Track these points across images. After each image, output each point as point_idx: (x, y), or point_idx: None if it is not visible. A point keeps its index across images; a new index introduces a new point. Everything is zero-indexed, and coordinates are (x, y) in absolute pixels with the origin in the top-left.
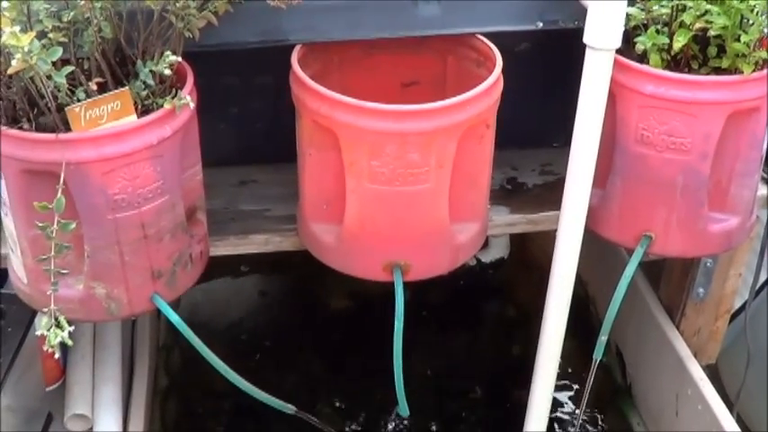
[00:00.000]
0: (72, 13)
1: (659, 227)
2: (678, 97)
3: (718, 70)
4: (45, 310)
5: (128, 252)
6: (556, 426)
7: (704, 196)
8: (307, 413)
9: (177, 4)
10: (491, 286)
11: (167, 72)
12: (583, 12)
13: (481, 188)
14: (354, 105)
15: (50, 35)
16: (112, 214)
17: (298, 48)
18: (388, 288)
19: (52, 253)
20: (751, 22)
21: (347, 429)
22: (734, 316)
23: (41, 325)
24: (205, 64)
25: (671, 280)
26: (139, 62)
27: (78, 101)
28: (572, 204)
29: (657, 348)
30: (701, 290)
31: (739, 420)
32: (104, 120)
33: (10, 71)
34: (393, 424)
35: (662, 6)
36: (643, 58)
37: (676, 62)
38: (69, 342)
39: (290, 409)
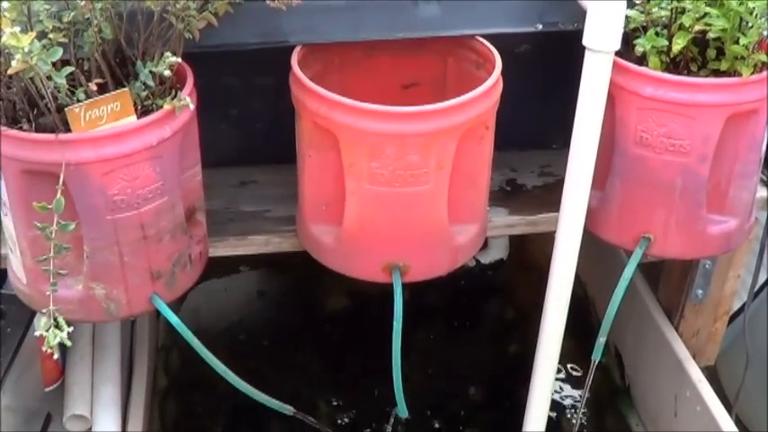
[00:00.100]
0: (72, 14)
1: (658, 228)
2: (677, 99)
3: (717, 72)
4: (44, 310)
5: (127, 253)
6: (555, 426)
7: (703, 198)
8: (305, 414)
9: (177, 5)
10: (490, 287)
11: (167, 73)
12: (582, 14)
13: (480, 189)
14: (354, 107)
15: (50, 36)
16: (112, 215)
17: (297, 49)
18: (388, 289)
19: (51, 253)
20: (750, 24)
21: (346, 430)
22: (733, 317)
23: (40, 325)
24: (205, 65)
25: (670, 281)
26: (139, 63)
27: (78, 101)
28: (571, 206)
29: (656, 349)
30: (699, 291)
31: (738, 422)
32: (104, 120)
33: (10, 71)
34: (392, 425)
35: (661, 9)
36: (642, 60)
37: (675, 64)
38: (68, 342)
39: (288, 409)
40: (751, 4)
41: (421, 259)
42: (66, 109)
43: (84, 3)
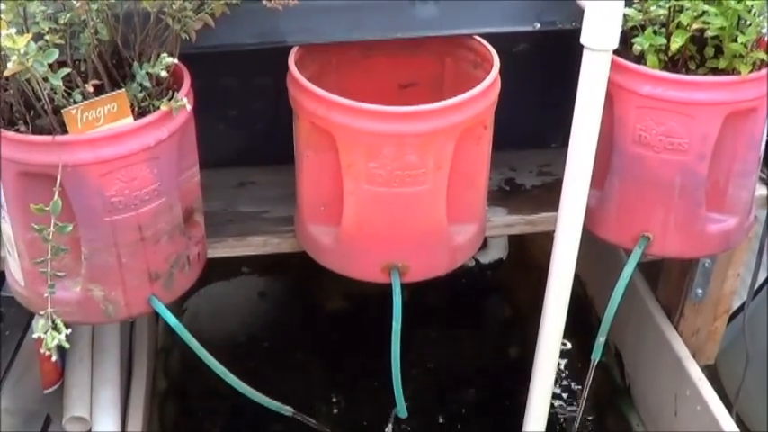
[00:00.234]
0: (68, 16)
1: (657, 227)
2: (675, 98)
3: (715, 71)
4: (42, 312)
5: (125, 254)
6: (555, 426)
7: (702, 197)
8: (304, 414)
9: (174, 6)
10: (490, 287)
11: (164, 74)
12: (580, 13)
13: (479, 189)
14: (351, 107)
15: (47, 37)
16: (109, 216)
17: (295, 49)
18: (387, 289)
19: (49, 255)
20: (748, 22)
21: (345, 431)
22: (732, 316)
23: (38, 327)
24: (202, 65)
25: (669, 280)
26: (136, 64)
27: (75, 103)
28: (570, 205)
29: (656, 349)
30: (699, 290)
31: (738, 420)
32: (101, 122)
33: (6, 73)
34: (391, 425)
35: (659, 7)
36: (640, 58)
37: (674, 63)
38: (66, 345)
39: (287, 410)
40: (749, 2)
41: (420, 259)
42: (62, 111)
43: (80, 4)
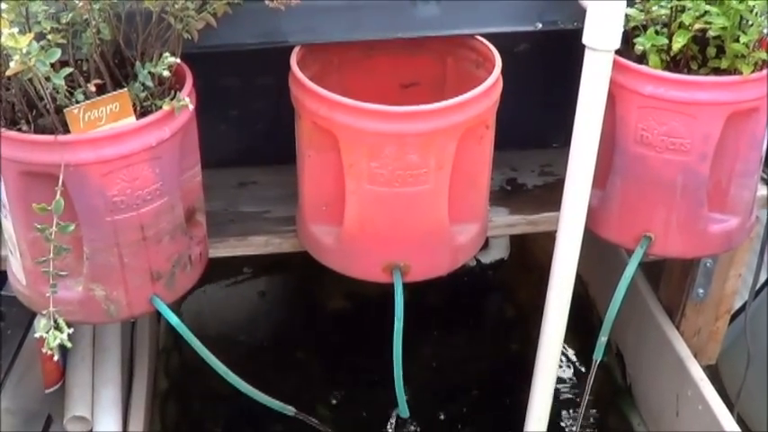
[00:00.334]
0: (70, 15)
1: (659, 227)
2: (677, 98)
3: (717, 71)
4: (44, 312)
5: (127, 254)
6: (556, 426)
7: (704, 197)
8: (306, 414)
9: (176, 6)
10: (491, 287)
11: (166, 73)
12: (582, 12)
13: (481, 189)
14: (353, 106)
15: (49, 37)
16: (111, 216)
17: (297, 49)
18: (388, 289)
19: (51, 255)
20: (750, 22)
21: (347, 430)
22: (734, 316)
23: (40, 327)
24: (204, 65)
25: (671, 280)
26: (138, 64)
27: (77, 102)
28: (572, 205)
29: (657, 349)
30: (700, 290)
31: (740, 421)
32: (103, 121)
33: (8, 73)
34: (393, 425)
35: (661, 7)
36: (642, 58)
37: (676, 63)
38: (68, 344)
39: (289, 410)
40: (751, 3)
41: (421, 259)
42: (65, 110)
43: (82, 4)
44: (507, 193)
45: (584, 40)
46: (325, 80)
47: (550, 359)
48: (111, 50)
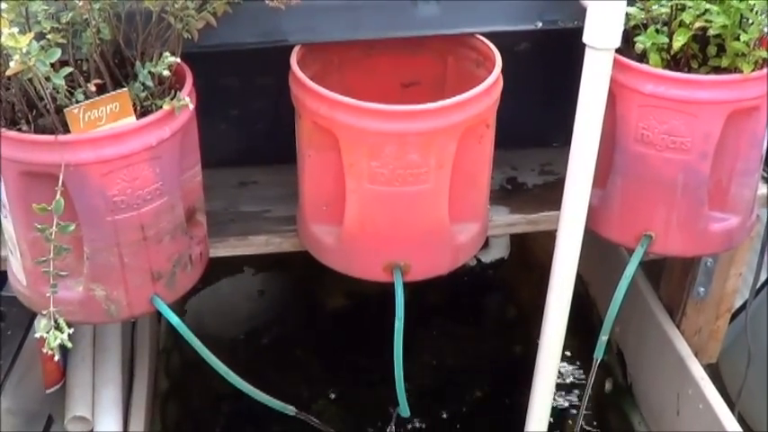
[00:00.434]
0: (70, 15)
1: (659, 226)
2: (678, 96)
3: (717, 69)
4: (44, 312)
5: (127, 254)
6: (557, 425)
7: (704, 195)
8: (307, 414)
9: (176, 5)
10: (491, 286)
11: (166, 73)
12: (582, 11)
13: (481, 188)
14: (354, 106)
15: (49, 36)
16: (112, 216)
17: (297, 48)
18: (389, 288)
19: (51, 255)
20: (750, 21)
21: (348, 430)
22: (734, 315)
23: (40, 327)
24: (204, 65)
25: (671, 279)
26: (138, 63)
27: (77, 102)
28: (572, 204)
29: (658, 348)
30: (701, 289)
31: (740, 419)
32: (103, 121)
33: (8, 72)
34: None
35: (661, 6)
36: (643, 57)
37: (676, 61)
38: (69, 344)
39: (290, 410)
40: (751, 1)
41: (422, 258)
42: (65, 110)
43: (82, 3)
44: (508, 193)
45: (585, 39)
46: (325, 80)
47: (551, 358)
48: (111, 50)
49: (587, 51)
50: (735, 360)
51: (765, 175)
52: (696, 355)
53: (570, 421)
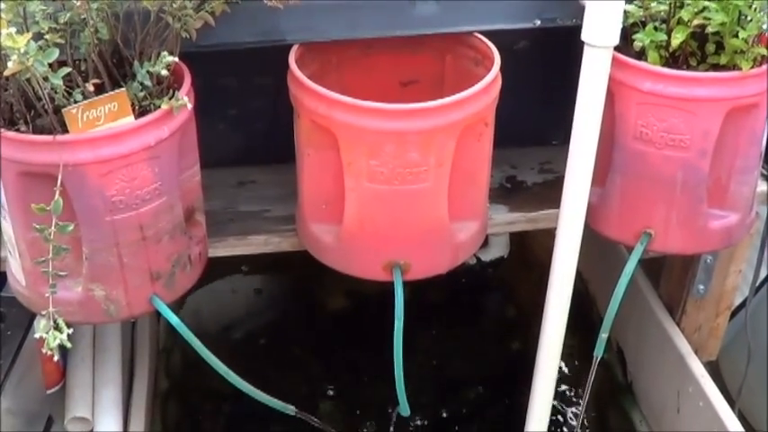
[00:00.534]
0: (68, 15)
1: (659, 224)
2: (676, 94)
3: (716, 67)
4: (44, 312)
5: (126, 254)
6: (557, 424)
7: (704, 193)
8: (307, 413)
9: (174, 5)
10: (491, 285)
11: (164, 72)
12: (581, 9)
13: (480, 186)
14: (352, 104)
15: (47, 37)
16: (110, 216)
17: (295, 47)
18: (388, 287)
19: (50, 255)
20: (749, 18)
21: (348, 430)
22: (734, 313)
23: (40, 327)
24: (203, 65)
25: (671, 277)
26: (136, 63)
27: (75, 102)
28: (571, 202)
29: (658, 345)
30: (701, 286)
31: (740, 417)
32: (102, 121)
33: (6, 73)
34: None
35: (660, 3)
36: (641, 55)
37: (675, 59)
38: (68, 344)
39: (290, 409)
40: None
41: (421, 257)
42: (63, 110)
43: (79, 3)
44: (507, 191)
45: (583, 37)
46: (323, 79)
47: (551, 357)
48: (110, 50)
49: (586, 49)
50: (735, 358)
51: (765, 172)
52: (696, 352)
53: (570, 420)
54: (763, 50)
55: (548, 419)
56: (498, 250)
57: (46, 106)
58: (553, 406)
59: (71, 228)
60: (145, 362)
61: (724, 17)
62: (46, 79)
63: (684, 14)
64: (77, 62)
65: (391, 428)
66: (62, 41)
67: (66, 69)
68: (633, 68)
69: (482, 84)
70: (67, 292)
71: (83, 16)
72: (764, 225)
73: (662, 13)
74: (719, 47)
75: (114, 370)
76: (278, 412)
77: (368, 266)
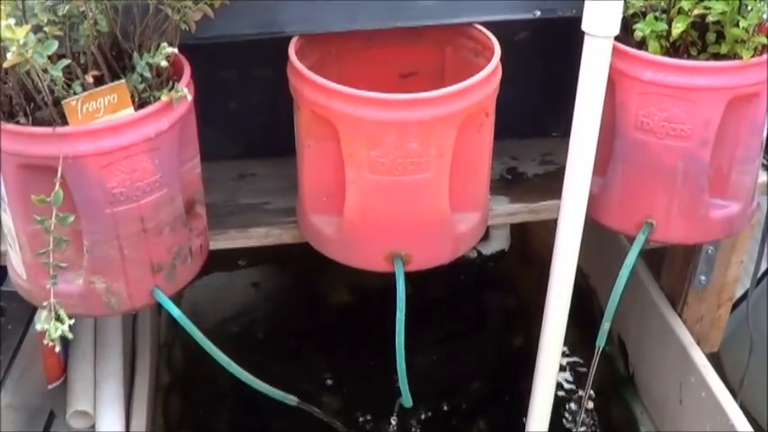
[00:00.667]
0: (67, 7)
1: (660, 214)
2: (677, 83)
3: (717, 56)
4: (45, 304)
5: (127, 246)
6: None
7: (705, 183)
8: (309, 404)
9: None
10: (492, 278)
11: (164, 64)
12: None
13: (481, 177)
14: (352, 95)
15: (46, 29)
16: (111, 208)
17: (295, 39)
18: (389, 280)
19: (51, 246)
20: (749, 7)
21: (350, 421)
22: (736, 304)
23: (41, 319)
24: (202, 57)
25: (672, 268)
26: (136, 55)
27: (75, 94)
28: (572, 192)
29: (660, 337)
30: (702, 277)
31: (742, 408)
32: (101, 113)
33: (6, 65)
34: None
35: None
36: (642, 44)
37: (675, 48)
38: (69, 335)
39: (291, 400)
40: None
41: (423, 248)
42: (62, 102)
43: None
44: (508, 182)
45: (584, 27)
46: (323, 71)
47: (552, 350)
48: (109, 42)
49: (586, 39)
50: (736, 349)
51: (766, 162)
52: (698, 343)
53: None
54: (763, 39)
55: (549, 412)
56: (499, 243)
57: (45, 98)
58: (554, 399)
59: (72, 219)
60: (146, 356)
61: (724, 6)
62: (45, 71)
63: (685, 4)
64: (77, 54)
65: (393, 419)
66: (61, 34)
67: (66, 61)
68: (634, 58)
69: (483, 73)
70: (68, 284)
71: (82, 8)
72: (765, 216)
73: (662, 3)
74: (720, 36)
75: (116, 364)
76: (280, 405)
77: (369, 257)
